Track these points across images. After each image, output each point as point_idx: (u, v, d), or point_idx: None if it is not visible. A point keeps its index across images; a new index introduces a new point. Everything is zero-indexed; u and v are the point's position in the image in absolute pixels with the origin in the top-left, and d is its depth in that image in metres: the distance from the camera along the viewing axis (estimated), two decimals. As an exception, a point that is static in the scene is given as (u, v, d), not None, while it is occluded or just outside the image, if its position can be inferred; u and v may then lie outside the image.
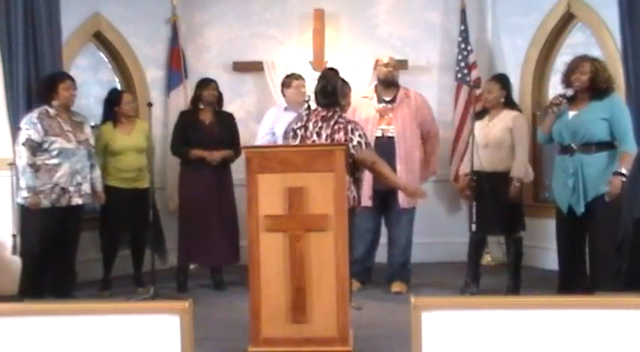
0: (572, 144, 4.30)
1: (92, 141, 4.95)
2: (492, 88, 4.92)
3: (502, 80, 5.02)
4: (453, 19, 6.28)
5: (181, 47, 6.22)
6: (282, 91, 5.51)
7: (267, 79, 6.20)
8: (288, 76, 5.52)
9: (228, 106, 5.82)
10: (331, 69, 4.35)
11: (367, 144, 4.02)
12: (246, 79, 6.40)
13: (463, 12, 6.17)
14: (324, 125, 4.01)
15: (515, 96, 5.99)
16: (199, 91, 5.34)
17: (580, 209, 4.28)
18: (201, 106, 5.32)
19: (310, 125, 4.03)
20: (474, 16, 6.26)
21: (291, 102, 5.40)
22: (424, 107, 5.21)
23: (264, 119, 5.57)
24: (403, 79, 6.02)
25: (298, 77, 5.48)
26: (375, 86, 5.23)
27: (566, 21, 5.77)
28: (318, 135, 4.01)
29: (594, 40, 5.51)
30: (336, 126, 3.99)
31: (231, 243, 5.34)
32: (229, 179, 5.41)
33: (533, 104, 5.95)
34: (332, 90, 4.07)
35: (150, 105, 5.03)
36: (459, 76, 6.13)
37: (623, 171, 4.17)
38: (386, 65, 5.17)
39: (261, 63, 6.23)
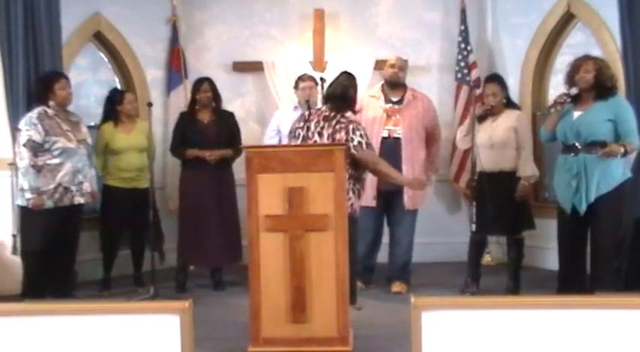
0: (577, 144, 4.30)
1: (89, 141, 4.94)
2: (495, 90, 4.89)
3: (501, 81, 5.03)
4: (453, 19, 6.28)
5: (181, 47, 6.21)
6: (295, 92, 5.57)
7: (267, 79, 6.20)
8: (298, 78, 5.55)
9: (228, 106, 5.82)
10: (348, 72, 4.36)
11: (368, 144, 4.04)
12: (246, 79, 6.40)
13: (463, 12, 6.17)
14: (326, 125, 4.03)
15: (515, 96, 6.00)
16: (194, 93, 5.36)
17: (582, 208, 4.28)
18: (198, 107, 5.33)
19: (312, 125, 4.05)
20: (474, 16, 6.26)
21: (300, 104, 5.43)
22: (431, 109, 5.23)
23: (273, 117, 5.64)
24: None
25: (305, 79, 5.48)
26: (382, 86, 5.22)
27: (566, 21, 5.76)
28: (320, 134, 4.02)
29: (594, 40, 5.50)
30: (337, 126, 4.02)
31: (232, 243, 5.32)
32: (230, 179, 5.40)
33: (533, 104, 5.95)
34: (348, 95, 4.17)
35: (150, 105, 5.03)
36: (459, 75, 6.13)
37: (625, 147, 4.17)
38: (392, 66, 5.16)
39: (261, 63, 6.23)
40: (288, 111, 5.49)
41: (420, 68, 6.29)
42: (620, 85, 4.93)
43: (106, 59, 6.14)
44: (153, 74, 6.22)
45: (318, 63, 6.09)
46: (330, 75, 5.91)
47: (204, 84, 5.34)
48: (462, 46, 6.11)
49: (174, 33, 6.23)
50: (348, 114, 4.17)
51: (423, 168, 5.15)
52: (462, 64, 6.10)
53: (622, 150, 4.18)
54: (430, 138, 5.19)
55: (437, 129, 5.27)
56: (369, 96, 5.15)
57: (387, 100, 5.12)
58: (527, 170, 4.79)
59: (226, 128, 5.34)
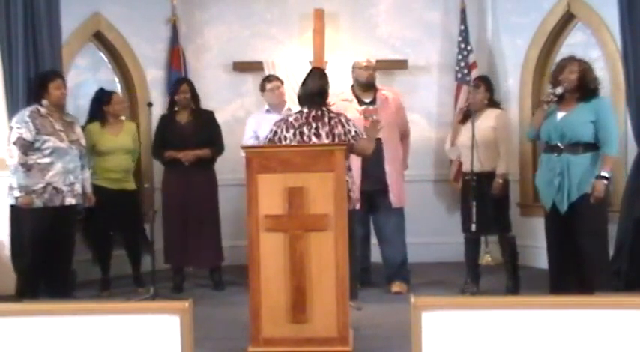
0: (560, 144, 4.31)
1: (83, 142, 4.90)
2: (478, 90, 4.96)
3: (487, 82, 5.08)
4: (453, 19, 6.28)
5: (181, 47, 6.21)
6: (262, 95, 5.53)
7: (267, 79, 6.19)
8: (263, 80, 5.53)
9: (228, 106, 5.84)
10: (319, 69, 4.42)
11: (361, 132, 4.18)
12: (246, 79, 6.40)
13: (463, 12, 6.16)
14: (320, 124, 4.08)
15: (515, 96, 6.02)
16: (172, 94, 5.35)
17: (563, 208, 4.29)
18: (177, 108, 5.32)
19: (305, 129, 4.09)
20: (473, 16, 6.26)
21: (271, 105, 5.42)
22: (401, 107, 5.29)
23: (247, 124, 5.53)
24: (403, 79, 6.04)
25: (272, 79, 5.48)
26: (352, 88, 5.23)
27: (566, 21, 5.76)
28: (317, 135, 4.04)
29: (594, 40, 5.51)
30: (332, 122, 4.10)
31: (212, 245, 5.30)
32: (211, 179, 5.36)
33: (533, 104, 5.94)
34: (325, 91, 4.25)
35: (150, 105, 5.03)
36: (459, 76, 6.12)
37: (605, 174, 4.19)
38: (366, 68, 5.17)
39: (261, 63, 6.23)
40: (261, 115, 5.44)
41: (420, 68, 6.30)
42: (620, 85, 4.95)
43: (106, 59, 6.14)
44: (153, 74, 6.22)
45: (318, 63, 6.07)
46: (331, 75, 5.93)
47: (183, 85, 5.33)
48: (462, 46, 6.11)
49: (174, 33, 6.23)
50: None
51: (402, 166, 5.23)
52: (462, 64, 6.10)
53: (602, 185, 4.19)
54: (402, 135, 5.24)
55: (406, 126, 5.34)
56: (342, 100, 5.13)
57: (361, 102, 5.13)
58: (502, 167, 4.83)
59: (204, 127, 5.29)
